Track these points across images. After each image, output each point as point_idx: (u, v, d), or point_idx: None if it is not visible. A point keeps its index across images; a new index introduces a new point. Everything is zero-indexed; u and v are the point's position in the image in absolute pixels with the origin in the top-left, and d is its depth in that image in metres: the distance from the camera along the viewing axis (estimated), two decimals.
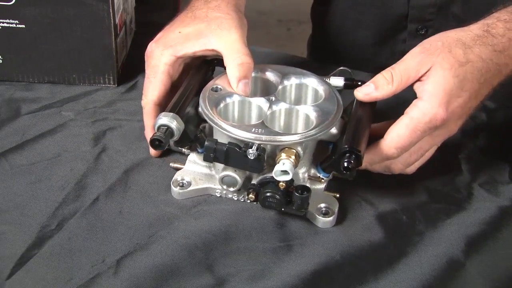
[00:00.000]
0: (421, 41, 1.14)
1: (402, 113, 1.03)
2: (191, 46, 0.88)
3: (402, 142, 0.80)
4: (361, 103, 0.87)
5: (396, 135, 0.80)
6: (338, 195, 0.84)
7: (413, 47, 1.15)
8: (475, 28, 0.85)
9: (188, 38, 0.89)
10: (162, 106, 0.89)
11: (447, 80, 0.80)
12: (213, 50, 0.88)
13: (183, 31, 0.89)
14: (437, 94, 0.80)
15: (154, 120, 0.85)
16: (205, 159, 0.81)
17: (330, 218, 0.82)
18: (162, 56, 0.89)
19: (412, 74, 0.82)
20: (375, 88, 0.83)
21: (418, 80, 0.82)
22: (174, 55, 0.89)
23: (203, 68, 0.92)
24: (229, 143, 0.79)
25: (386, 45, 1.20)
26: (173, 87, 0.91)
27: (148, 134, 0.89)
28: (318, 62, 1.22)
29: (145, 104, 0.90)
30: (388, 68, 0.83)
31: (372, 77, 1.11)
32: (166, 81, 0.89)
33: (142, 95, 0.91)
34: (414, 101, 0.81)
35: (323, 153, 0.87)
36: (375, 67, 1.20)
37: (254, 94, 0.92)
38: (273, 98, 0.86)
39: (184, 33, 0.89)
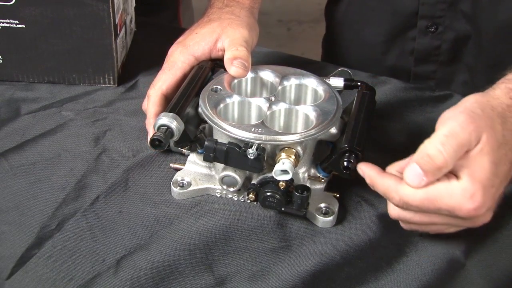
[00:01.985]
0: (430, 39, 1.14)
1: (402, 113, 1.03)
2: (205, 44, 0.93)
3: (411, 200, 0.72)
4: (361, 103, 0.87)
5: (412, 192, 0.72)
6: (338, 195, 0.84)
7: (423, 45, 1.15)
8: (501, 95, 0.76)
9: (203, 37, 0.94)
10: (169, 99, 0.90)
11: (486, 168, 0.71)
12: (221, 49, 0.92)
13: (199, 32, 0.95)
14: (473, 182, 0.70)
15: (159, 108, 0.89)
16: (205, 159, 0.81)
17: (330, 218, 0.82)
18: (181, 54, 0.93)
19: (465, 149, 0.71)
20: (425, 175, 0.71)
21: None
22: (192, 55, 0.93)
23: (203, 69, 0.92)
24: (229, 143, 0.79)
25: (396, 43, 1.20)
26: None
27: (151, 122, 0.89)
28: (318, 62, 1.22)
29: (152, 92, 0.91)
30: (435, 141, 0.70)
31: (373, 77, 1.11)
32: (180, 77, 0.92)
33: (151, 85, 0.92)
34: (450, 175, 0.71)
35: (323, 153, 0.87)
36: (386, 66, 1.21)
37: (254, 94, 0.92)
38: (273, 98, 0.87)
39: (200, 33, 0.94)
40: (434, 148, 0.70)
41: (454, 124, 0.71)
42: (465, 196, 0.70)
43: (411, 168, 0.71)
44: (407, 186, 0.72)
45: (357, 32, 1.24)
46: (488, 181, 0.71)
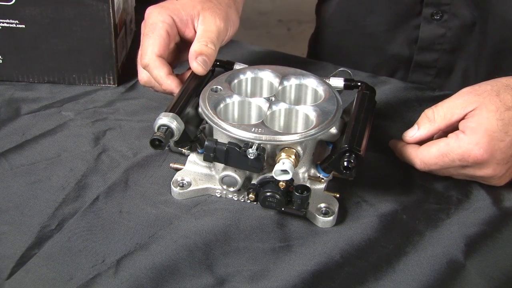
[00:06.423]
0: (435, 26, 1.13)
1: (402, 113, 1.03)
2: (185, 14, 0.92)
3: (428, 160, 0.84)
4: (361, 103, 0.87)
5: (427, 151, 0.84)
6: (338, 195, 0.84)
7: (427, 33, 1.15)
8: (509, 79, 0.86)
9: (184, 7, 0.92)
10: (165, 59, 0.90)
11: (490, 121, 0.81)
12: (193, 30, 0.92)
13: (180, 1, 0.94)
14: (477, 132, 0.81)
15: (165, 68, 0.89)
16: (205, 159, 0.81)
17: (330, 218, 0.82)
18: (160, 14, 0.91)
19: (456, 111, 0.83)
20: (418, 128, 0.86)
21: (463, 118, 0.83)
22: (171, 16, 0.91)
23: None
24: (229, 143, 0.79)
25: (398, 32, 1.18)
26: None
27: (168, 83, 0.89)
28: (318, 62, 1.22)
29: (148, 60, 0.89)
30: (432, 107, 0.86)
31: (373, 77, 1.11)
32: (165, 37, 0.90)
33: (141, 55, 0.91)
34: (458, 132, 0.83)
35: (323, 153, 0.87)
36: (387, 56, 1.20)
37: (254, 94, 0.92)
38: (273, 98, 0.87)
39: (180, 2, 0.93)
40: (429, 108, 0.86)
41: (453, 95, 0.85)
42: (470, 143, 0.81)
43: (412, 127, 0.87)
44: (423, 149, 0.84)
45: (355, 23, 1.22)
46: (494, 133, 0.80)
